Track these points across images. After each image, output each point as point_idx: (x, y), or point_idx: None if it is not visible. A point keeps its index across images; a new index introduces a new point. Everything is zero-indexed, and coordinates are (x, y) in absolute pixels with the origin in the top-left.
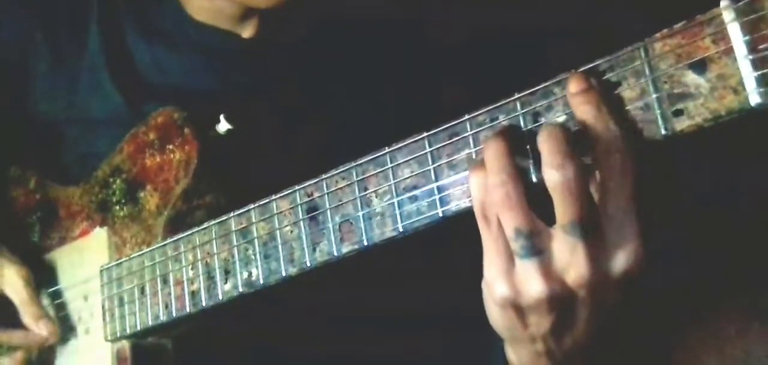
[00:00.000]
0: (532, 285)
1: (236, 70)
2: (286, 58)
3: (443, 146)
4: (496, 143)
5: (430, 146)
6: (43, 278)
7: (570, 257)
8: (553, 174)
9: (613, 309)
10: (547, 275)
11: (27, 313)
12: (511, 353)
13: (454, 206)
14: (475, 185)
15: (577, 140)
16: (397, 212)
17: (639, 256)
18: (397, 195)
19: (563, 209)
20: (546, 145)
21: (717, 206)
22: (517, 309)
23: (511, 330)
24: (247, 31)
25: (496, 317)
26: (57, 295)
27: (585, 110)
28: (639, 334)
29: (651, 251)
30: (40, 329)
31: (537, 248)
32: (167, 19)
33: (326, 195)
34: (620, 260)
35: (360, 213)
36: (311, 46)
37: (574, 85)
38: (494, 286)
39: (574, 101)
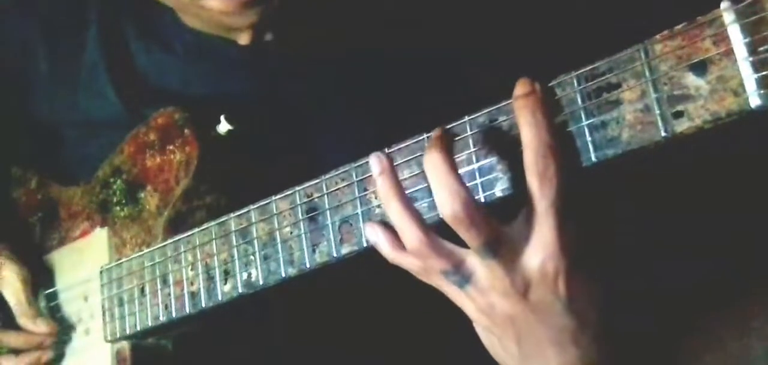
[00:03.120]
0: (476, 309)
1: (234, 77)
2: (283, 64)
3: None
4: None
5: None
6: (43, 278)
7: (492, 276)
8: (445, 210)
9: (562, 302)
10: (483, 296)
11: (23, 314)
12: None
13: None
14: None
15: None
16: None
17: (555, 252)
18: None
19: (467, 238)
20: (430, 178)
21: (716, 206)
22: (487, 329)
23: (496, 352)
24: (243, 39)
25: (483, 340)
26: (56, 296)
27: (521, 114)
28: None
29: (573, 256)
30: (37, 327)
31: (467, 276)
32: (164, 24)
33: (326, 196)
34: (537, 259)
35: (359, 214)
36: (309, 50)
37: (518, 88)
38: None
39: (516, 104)
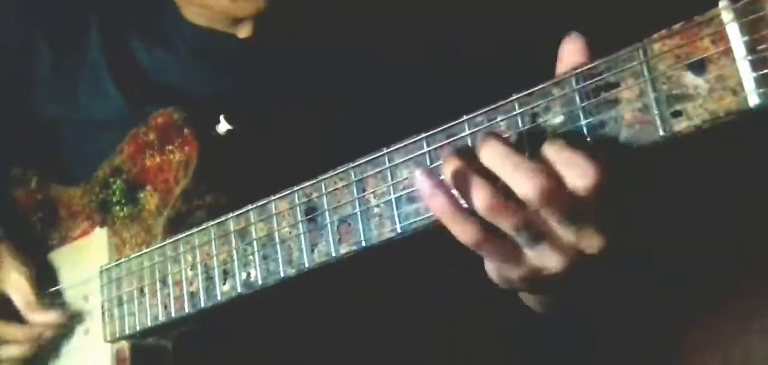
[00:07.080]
0: (537, 268)
1: (234, 72)
2: (283, 59)
3: (441, 146)
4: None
5: (427, 147)
6: (43, 278)
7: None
8: (528, 189)
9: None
10: (561, 252)
11: (29, 309)
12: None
13: None
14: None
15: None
16: (395, 212)
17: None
18: (395, 196)
19: (551, 213)
20: (499, 167)
21: (716, 206)
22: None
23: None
24: (243, 32)
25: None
26: (57, 295)
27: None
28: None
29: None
30: (44, 317)
31: (540, 233)
32: (165, 22)
33: (324, 196)
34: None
35: (358, 214)
36: (307, 45)
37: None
38: (510, 275)
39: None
